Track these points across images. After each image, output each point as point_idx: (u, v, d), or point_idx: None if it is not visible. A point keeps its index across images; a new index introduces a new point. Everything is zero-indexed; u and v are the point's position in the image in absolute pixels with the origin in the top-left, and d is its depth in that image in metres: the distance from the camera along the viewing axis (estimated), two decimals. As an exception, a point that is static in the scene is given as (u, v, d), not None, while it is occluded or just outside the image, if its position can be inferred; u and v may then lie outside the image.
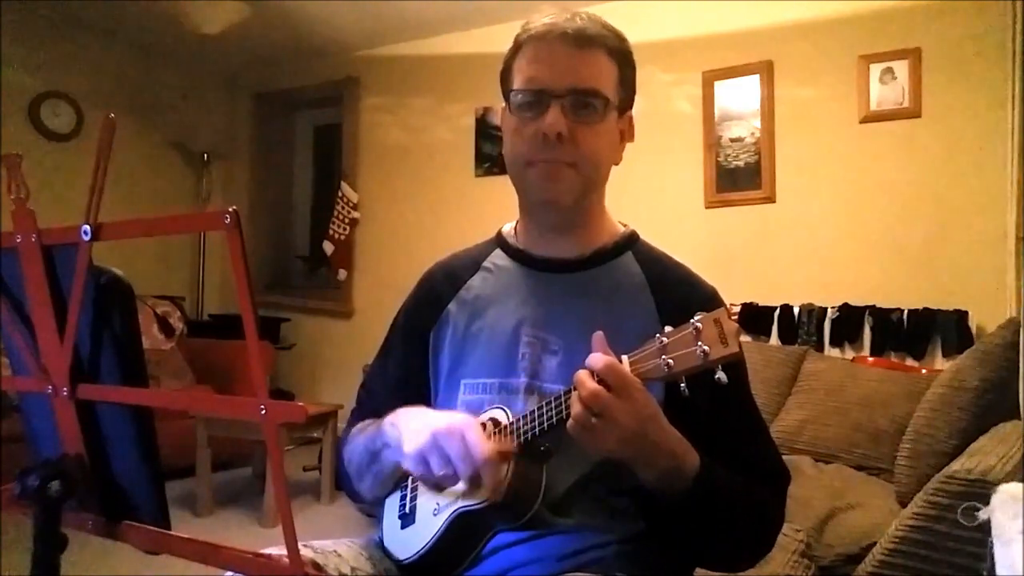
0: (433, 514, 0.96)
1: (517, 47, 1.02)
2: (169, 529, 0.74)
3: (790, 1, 3.35)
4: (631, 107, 1.06)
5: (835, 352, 3.10)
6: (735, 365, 0.87)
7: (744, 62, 3.43)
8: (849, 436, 2.46)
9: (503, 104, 1.06)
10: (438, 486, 0.92)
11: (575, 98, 0.97)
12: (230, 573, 0.86)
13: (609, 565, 0.92)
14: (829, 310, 3.13)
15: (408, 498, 1.02)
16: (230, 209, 0.62)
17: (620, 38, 1.02)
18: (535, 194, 1.02)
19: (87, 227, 0.71)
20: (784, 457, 1.04)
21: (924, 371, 2.78)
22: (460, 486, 0.89)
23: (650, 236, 1.12)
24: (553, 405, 0.87)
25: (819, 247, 3.27)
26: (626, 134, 1.07)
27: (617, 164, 1.06)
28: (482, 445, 0.85)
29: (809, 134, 3.31)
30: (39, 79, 4.19)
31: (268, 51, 4.76)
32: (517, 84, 1.00)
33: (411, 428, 0.91)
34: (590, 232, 1.06)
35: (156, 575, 1.44)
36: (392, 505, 1.05)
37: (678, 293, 1.02)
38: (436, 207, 4.36)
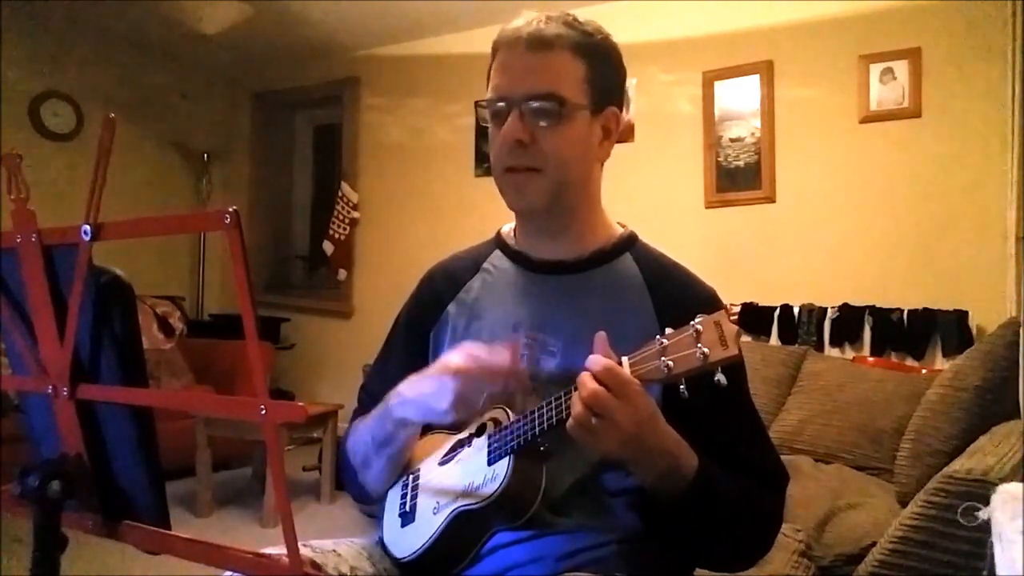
0: (433, 513, 0.96)
1: (492, 54, 1.03)
2: (169, 529, 0.74)
3: (790, 1, 3.35)
4: (613, 102, 1.03)
5: (835, 352, 3.10)
6: (735, 367, 0.87)
7: (744, 62, 3.43)
8: (849, 436, 2.46)
9: None
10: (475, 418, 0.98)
11: (532, 103, 0.97)
12: (230, 573, 0.87)
13: (608, 565, 0.92)
14: (829, 310, 3.13)
15: (408, 497, 1.03)
16: (230, 209, 0.62)
17: (587, 34, 0.99)
18: (509, 202, 1.03)
19: (87, 227, 0.71)
20: (784, 457, 1.04)
21: (924, 371, 2.78)
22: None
23: (650, 236, 1.12)
24: (553, 405, 0.87)
25: (819, 247, 3.27)
26: (612, 130, 1.04)
27: (603, 161, 1.05)
28: (496, 355, 0.91)
29: (809, 134, 3.31)
30: (39, 79, 4.19)
31: (268, 51, 4.76)
32: (488, 94, 1.02)
33: (429, 389, 0.93)
34: (586, 233, 1.06)
35: (156, 575, 1.44)
36: (392, 504, 1.05)
37: (677, 294, 1.02)
38: (436, 207, 4.36)
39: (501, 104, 0.99)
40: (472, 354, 0.92)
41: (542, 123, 0.97)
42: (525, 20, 0.99)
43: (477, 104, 1.03)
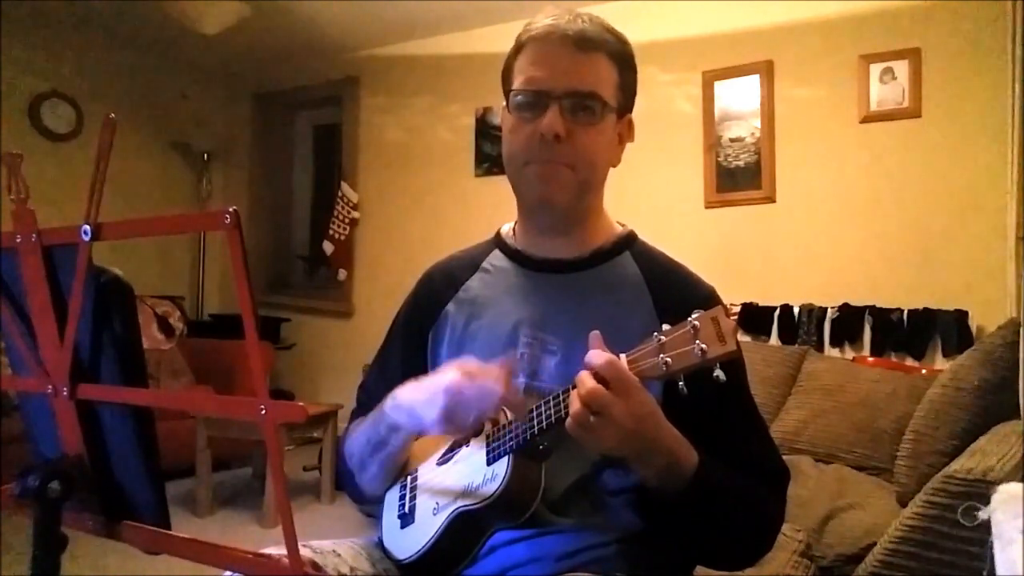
0: (432, 513, 0.96)
1: (519, 47, 1.03)
2: (169, 529, 0.74)
3: (790, 1, 3.35)
4: (631, 110, 1.07)
5: (835, 352, 3.10)
6: (734, 363, 0.87)
7: (744, 62, 3.43)
8: (849, 436, 2.46)
9: (504, 104, 1.06)
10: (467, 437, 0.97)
11: (573, 100, 0.97)
12: (230, 573, 0.87)
13: (608, 564, 0.92)
14: (829, 310, 3.13)
15: (407, 498, 1.03)
16: (230, 209, 0.62)
17: (622, 41, 1.03)
18: (531, 194, 1.02)
19: (87, 227, 0.71)
20: (784, 457, 1.04)
21: (924, 371, 2.78)
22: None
23: (650, 236, 1.12)
24: (551, 404, 0.87)
25: (819, 247, 3.27)
26: (625, 136, 1.08)
27: (615, 166, 1.07)
28: (493, 379, 0.88)
29: (809, 134, 3.30)
30: (39, 79, 4.19)
31: (268, 51, 4.76)
32: (517, 84, 1.01)
33: (421, 399, 0.92)
34: (588, 232, 1.07)
35: (156, 575, 1.44)
36: (391, 505, 1.05)
37: (676, 292, 1.02)
38: (436, 207, 4.36)
39: (537, 96, 0.98)
40: (469, 372, 0.90)
41: (579, 120, 0.98)
42: (558, 17, 0.99)
43: (510, 92, 1.01)
